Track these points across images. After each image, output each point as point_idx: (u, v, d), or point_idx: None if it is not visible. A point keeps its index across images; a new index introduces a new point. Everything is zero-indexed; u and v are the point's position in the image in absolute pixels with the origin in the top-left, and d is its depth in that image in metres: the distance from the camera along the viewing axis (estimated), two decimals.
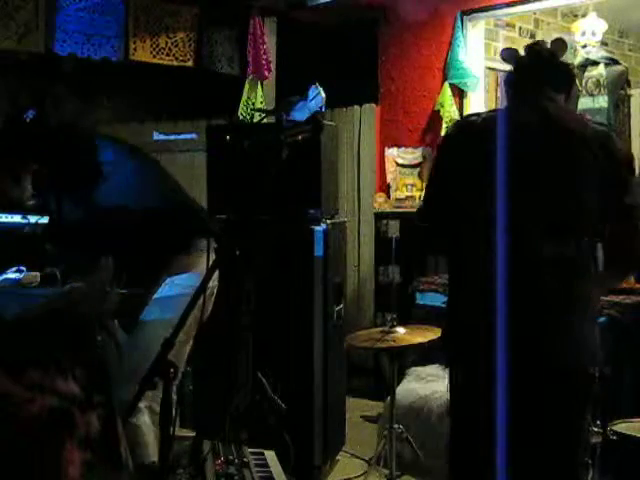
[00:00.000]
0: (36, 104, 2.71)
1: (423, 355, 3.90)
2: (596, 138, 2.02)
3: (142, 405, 2.57)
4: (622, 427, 2.66)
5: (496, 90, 5.34)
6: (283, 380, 3.32)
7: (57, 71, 5.06)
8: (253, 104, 5.28)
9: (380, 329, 3.29)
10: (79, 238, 2.79)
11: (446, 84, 5.11)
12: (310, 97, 3.56)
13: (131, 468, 1.95)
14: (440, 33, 5.20)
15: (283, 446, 2.94)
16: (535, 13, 5.48)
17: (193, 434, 2.51)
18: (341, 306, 3.75)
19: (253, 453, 2.39)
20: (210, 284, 2.59)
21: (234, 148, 3.54)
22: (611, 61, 5.08)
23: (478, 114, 2.25)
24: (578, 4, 5.22)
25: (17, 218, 3.47)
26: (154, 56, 5.10)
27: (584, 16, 5.16)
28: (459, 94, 5.13)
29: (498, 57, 2.41)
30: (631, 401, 3.45)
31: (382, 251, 5.17)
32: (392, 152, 5.40)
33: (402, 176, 5.35)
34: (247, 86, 5.33)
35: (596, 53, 5.03)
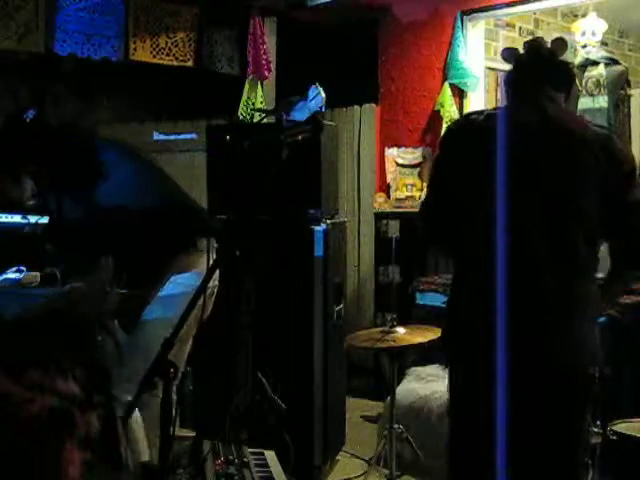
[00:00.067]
0: (36, 104, 2.72)
1: (423, 355, 3.90)
2: (597, 140, 2.02)
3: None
4: (622, 427, 2.65)
5: (496, 90, 5.34)
6: (283, 380, 3.32)
7: (57, 71, 5.06)
8: (253, 104, 5.28)
9: (380, 329, 3.29)
10: (79, 238, 2.79)
11: (446, 84, 5.11)
12: (310, 97, 3.56)
13: (131, 468, 1.95)
14: (440, 33, 5.20)
15: (283, 446, 2.94)
16: (535, 13, 5.48)
17: (193, 434, 2.51)
18: (341, 306, 3.75)
19: (253, 453, 2.39)
20: (210, 284, 2.59)
21: (234, 148, 3.54)
22: (611, 61, 5.08)
23: (480, 112, 2.25)
24: (578, 4, 5.22)
25: (17, 218, 3.47)
26: (154, 56, 5.10)
27: (584, 16, 5.16)
28: (459, 94, 5.13)
29: (498, 57, 2.41)
30: (631, 401, 3.45)
31: (382, 251, 5.17)
32: (392, 152, 5.40)
33: (402, 176, 5.35)
34: (247, 86, 5.33)
35: (596, 53, 5.03)
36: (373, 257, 5.36)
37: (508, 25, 5.47)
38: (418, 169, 5.30)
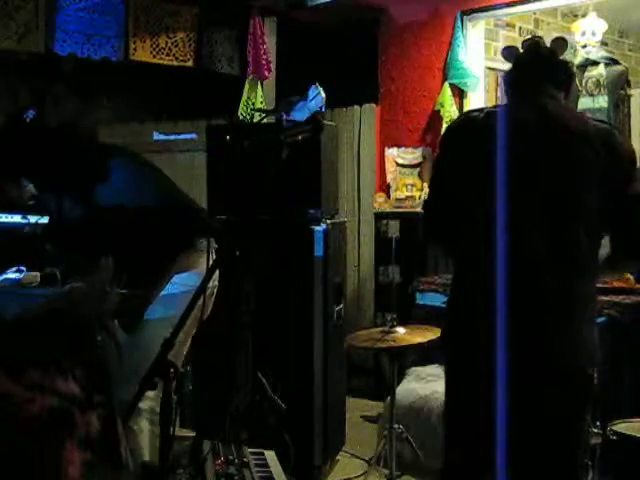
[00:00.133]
0: (36, 104, 2.72)
1: (423, 355, 3.90)
2: (598, 135, 2.02)
3: (142, 407, 2.57)
4: (622, 427, 2.65)
5: (496, 90, 5.34)
6: (283, 380, 3.32)
7: (57, 71, 5.06)
8: (253, 104, 5.28)
9: (380, 329, 3.29)
10: (79, 238, 2.79)
11: (446, 84, 5.11)
12: (310, 97, 3.56)
13: (131, 468, 1.95)
14: (440, 33, 5.20)
15: (283, 446, 2.94)
16: (535, 13, 5.48)
17: (193, 434, 2.51)
18: (341, 306, 3.75)
19: (253, 453, 2.39)
20: (210, 284, 2.59)
21: (234, 148, 3.54)
22: (611, 61, 5.08)
23: (480, 110, 2.25)
24: (578, 4, 5.22)
25: (17, 218, 3.47)
26: (154, 56, 5.10)
27: (584, 16, 5.16)
28: (459, 94, 5.13)
29: (498, 57, 2.41)
30: (631, 401, 3.45)
31: (382, 251, 5.17)
32: (392, 152, 5.40)
33: (402, 176, 5.35)
34: (247, 86, 5.33)
35: (596, 53, 5.03)
36: (373, 257, 5.36)
37: (508, 25, 5.47)
38: (418, 169, 5.30)
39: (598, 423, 2.66)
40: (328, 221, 3.58)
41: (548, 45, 2.17)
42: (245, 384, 3.14)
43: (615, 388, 3.43)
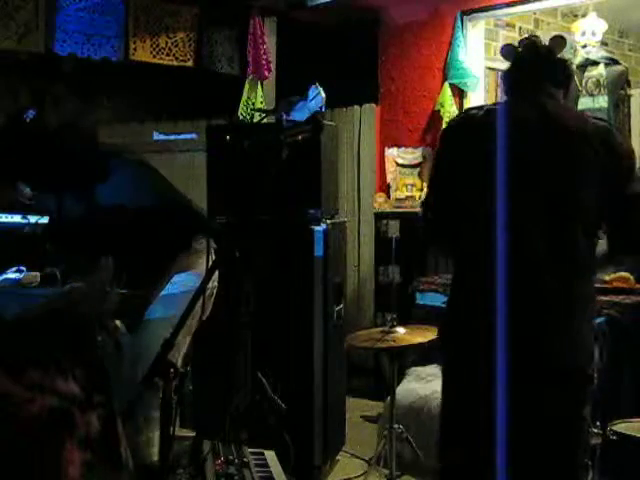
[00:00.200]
0: (36, 104, 2.72)
1: (423, 355, 3.90)
2: (597, 134, 2.02)
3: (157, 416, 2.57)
4: (622, 427, 2.65)
5: (496, 90, 5.34)
6: (283, 380, 3.32)
7: (57, 71, 5.06)
8: (253, 104, 5.28)
9: (380, 329, 3.29)
10: (79, 238, 2.79)
11: (446, 84, 5.11)
12: (310, 97, 3.56)
13: (131, 468, 1.95)
14: (440, 33, 5.20)
15: (283, 446, 2.94)
16: (535, 13, 5.48)
17: (193, 434, 2.51)
18: (341, 306, 3.75)
19: (253, 453, 2.39)
20: (210, 285, 2.59)
21: (234, 148, 3.54)
22: (611, 61, 5.07)
23: (479, 107, 2.25)
24: (578, 4, 5.22)
25: (17, 218, 3.47)
26: (154, 56, 5.10)
27: (584, 16, 5.16)
28: (459, 94, 5.13)
29: (498, 57, 2.41)
30: (631, 401, 3.45)
31: (382, 251, 5.17)
32: (392, 152, 5.40)
33: (402, 176, 5.35)
34: (247, 86, 5.33)
35: (596, 53, 5.03)
36: (373, 257, 5.36)
37: (508, 25, 5.47)
38: (418, 169, 5.30)
39: (598, 423, 2.66)
40: (328, 221, 3.58)
41: (546, 43, 2.17)
42: (245, 384, 3.14)
43: (615, 388, 3.43)
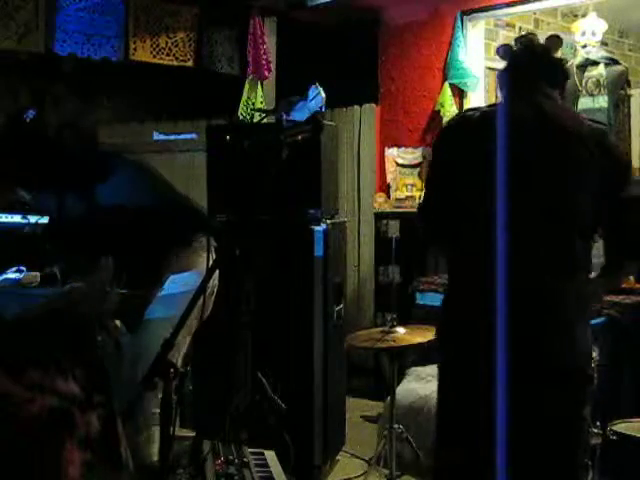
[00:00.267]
0: (36, 104, 2.72)
1: (423, 355, 3.90)
2: (592, 136, 2.03)
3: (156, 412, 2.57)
4: (622, 427, 2.65)
5: (496, 90, 5.34)
6: (283, 380, 3.32)
7: (57, 71, 5.06)
8: (253, 104, 5.28)
9: (380, 329, 3.29)
10: (79, 238, 2.79)
11: (446, 84, 5.11)
12: (310, 97, 3.56)
13: (131, 468, 1.95)
14: (440, 33, 5.20)
15: (283, 446, 2.94)
16: (535, 13, 5.48)
17: (193, 434, 2.51)
18: (341, 306, 3.75)
19: (253, 453, 2.39)
20: (210, 283, 2.59)
21: (234, 148, 3.54)
22: (611, 61, 5.07)
23: (476, 109, 2.25)
24: (578, 4, 5.22)
25: (17, 218, 3.47)
26: (154, 56, 5.10)
27: (584, 16, 5.16)
28: (459, 94, 5.13)
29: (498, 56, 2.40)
30: (631, 401, 3.45)
31: (382, 251, 5.17)
32: (392, 152, 5.40)
33: (402, 176, 5.35)
34: (247, 86, 5.33)
35: (596, 53, 5.02)
36: (373, 257, 5.36)
37: (508, 25, 5.47)
38: (418, 169, 5.30)
39: (598, 423, 2.66)
40: (328, 221, 3.58)
41: (543, 42, 2.17)
42: (245, 384, 3.14)
43: (615, 388, 3.43)
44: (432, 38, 5.25)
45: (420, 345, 3.07)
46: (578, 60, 5.07)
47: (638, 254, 2.13)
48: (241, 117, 5.30)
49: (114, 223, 2.67)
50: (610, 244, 2.11)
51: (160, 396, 1.64)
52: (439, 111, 5.13)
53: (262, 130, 3.61)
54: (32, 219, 3.21)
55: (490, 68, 5.27)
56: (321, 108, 3.61)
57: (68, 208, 2.74)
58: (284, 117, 3.37)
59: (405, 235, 4.96)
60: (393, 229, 5.08)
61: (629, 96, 5.15)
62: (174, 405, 1.65)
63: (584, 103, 4.99)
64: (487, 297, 1.93)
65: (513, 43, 2.21)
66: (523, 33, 2.38)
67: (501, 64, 2.25)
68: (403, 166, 5.36)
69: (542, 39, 2.19)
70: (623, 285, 3.73)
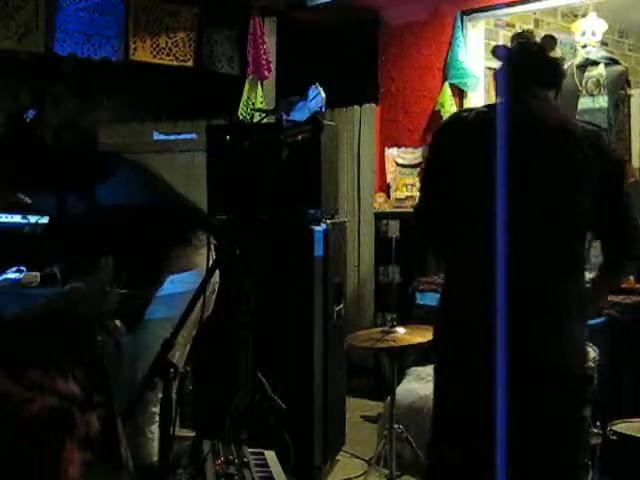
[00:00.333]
0: (36, 104, 2.72)
1: (423, 355, 3.90)
2: (586, 137, 2.03)
3: (156, 410, 2.57)
4: (622, 427, 2.66)
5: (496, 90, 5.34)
6: (283, 380, 3.32)
7: (57, 71, 5.06)
8: (253, 104, 5.28)
9: (380, 329, 3.29)
10: (79, 238, 2.80)
11: (446, 84, 5.11)
12: (310, 97, 3.56)
13: (131, 468, 1.95)
14: (440, 33, 5.20)
15: (283, 446, 2.94)
16: (535, 13, 5.48)
17: (193, 434, 2.51)
18: (341, 306, 3.75)
19: (253, 453, 2.39)
20: (211, 281, 2.60)
21: (234, 148, 3.54)
22: (611, 61, 5.08)
23: (470, 110, 2.26)
24: (578, 4, 5.22)
25: (17, 218, 3.47)
26: (154, 56, 5.10)
27: (584, 16, 5.16)
28: (459, 94, 5.13)
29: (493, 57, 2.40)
30: (631, 401, 3.45)
31: (382, 251, 5.17)
32: (392, 152, 5.40)
33: (402, 176, 5.35)
34: (247, 86, 5.33)
35: (596, 53, 5.03)
36: (373, 257, 5.36)
37: (508, 25, 5.46)
38: (418, 169, 5.30)
39: (598, 423, 2.66)
40: (328, 221, 3.58)
41: (539, 40, 2.17)
42: (245, 384, 3.14)
43: (615, 388, 3.43)
44: (432, 38, 5.25)
45: (420, 345, 3.07)
46: (578, 60, 5.07)
47: (636, 253, 2.13)
48: (241, 117, 5.30)
49: (114, 223, 2.67)
50: (607, 244, 2.11)
51: (160, 396, 1.64)
52: (439, 111, 5.13)
53: (262, 130, 3.61)
54: (32, 219, 3.21)
55: (490, 68, 5.26)
56: (321, 108, 3.61)
57: (68, 208, 2.74)
58: (284, 117, 3.37)
59: (405, 235, 4.95)
60: (393, 229, 5.08)
61: (629, 96, 5.15)
62: (174, 405, 1.65)
63: (584, 103, 5.00)
64: (483, 297, 1.93)
65: (511, 38, 2.21)
66: (520, 31, 2.37)
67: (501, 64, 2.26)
68: (403, 166, 5.36)
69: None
70: (623, 285, 3.73)
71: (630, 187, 2.09)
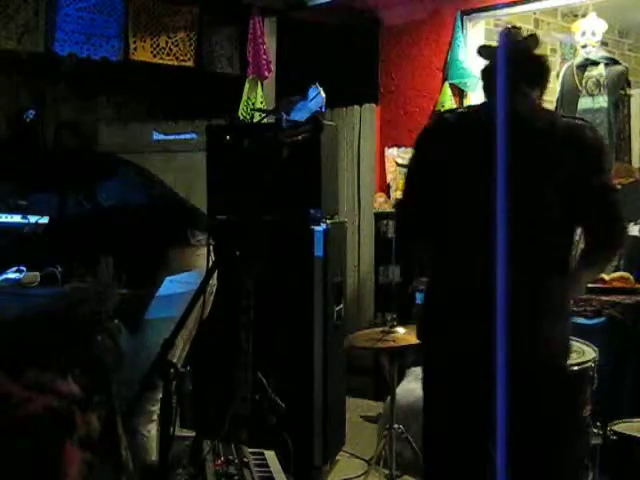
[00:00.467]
0: (36, 104, 2.72)
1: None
2: (567, 132, 2.03)
3: (154, 410, 2.57)
4: (622, 427, 2.66)
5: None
6: (283, 380, 3.31)
7: (57, 71, 5.05)
8: (253, 104, 5.27)
9: (380, 329, 3.29)
10: (79, 238, 2.80)
11: (446, 84, 5.11)
12: (310, 97, 3.56)
13: (131, 468, 1.95)
14: (440, 33, 5.20)
15: (283, 446, 2.94)
16: (535, 13, 5.48)
17: (193, 434, 2.51)
18: (341, 306, 3.75)
19: (253, 453, 2.39)
20: (210, 282, 2.60)
21: (234, 148, 3.54)
22: (611, 61, 5.08)
23: (454, 110, 2.28)
24: (578, 4, 5.22)
25: (17, 218, 3.47)
26: (154, 56, 5.10)
27: (584, 16, 5.16)
28: (459, 94, 5.13)
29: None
30: (631, 401, 3.45)
31: (382, 251, 5.17)
32: (392, 152, 5.40)
33: (402, 176, 5.34)
34: (247, 86, 5.33)
35: (596, 53, 5.03)
36: (373, 257, 5.36)
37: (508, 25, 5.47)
38: None
39: (598, 423, 2.66)
40: (328, 221, 3.58)
41: (526, 34, 2.17)
42: (245, 384, 3.14)
43: (615, 388, 3.43)
44: (432, 38, 5.25)
45: (420, 345, 3.07)
46: (578, 60, 5.08)
47: (619, 243, 2.13)
48: (241, 117, 5.30)
49: (113, 223, 2.68)
50: (588, 235, 2.10)
51: (160, 396, 1.64)
52: (439, 111, 5.13)
53: (262, 130, 3.60)
54: (32, 219, 3.21)
55: None
56: (321, 108, 3.61)
57: (68, 208, 2.75)
58: (284, 117, 3.37)
59: None
60: (393, 229, 5.08)
61: (629, 96, 5.15)
62: (174, 405, 1.65)
63: (584, 103, 5.00)
64: (466, 294, 1.94)
65: (497, 33, 2.22)
66: (508, 26, 2.37)
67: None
68: (403, 166, 5.35)
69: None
70: (623, 285, 3.73)
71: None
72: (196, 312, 1.95)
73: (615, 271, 3.80)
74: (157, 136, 5.82)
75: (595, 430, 2.62)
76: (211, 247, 2.58)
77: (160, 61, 5.12)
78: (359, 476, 3.61)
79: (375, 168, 5.46)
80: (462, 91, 5.13)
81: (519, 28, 2.23)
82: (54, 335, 1.88)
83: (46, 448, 1.57)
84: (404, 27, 5.40)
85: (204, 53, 5.34)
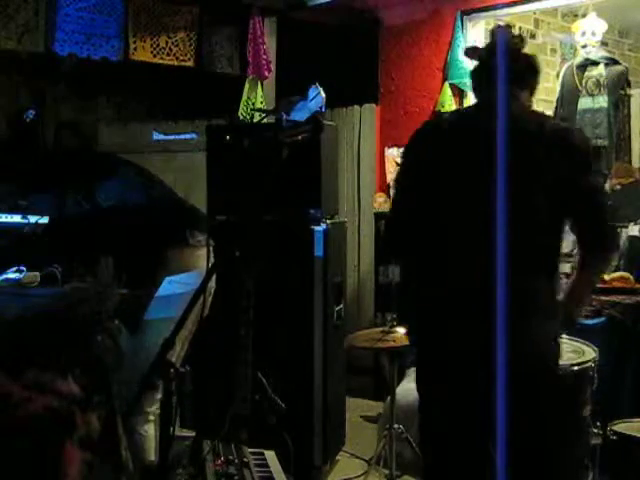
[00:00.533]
0: (36, 104, 2.73)
1: None
2: (554, 135, 2.03)
3: (151, 410, 2.57)
4: (622, 427, 2.66)
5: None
6: (283, 380, 3.31)
7: (57, 71, 5.05)
8: (253, 104, 5.27)
9: (380, 329, 3.29)
10: (79, 238, 2.80)
11: (446, 84, 5.11)
12: (310, 97, 3.56)
13: (131, 468, 1.95)
14: (440, 33, 5.20)
15: (283, 446, 2.94)
16: (535, 13, 5.48)
17: (193, 434, 2.51)
18: (341, 306, 3.75)
19: (253, 453, 2.39)
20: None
21: (234, 148, 3.54)
22: (611, 61, 5.08)
23: (440, 115, 2.28)
24: (578, 4, 5.22)
25: (17, 218, 3.47)
26: (154, 56, 5.10)
27: (584, 16, 5.16)
28: (459, 94, 5.13)
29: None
30: (631, 401, 3.45)
31: (382, 251, 5.17)
32: (392, 152, 5.40)
33: None
34: (247, 86, 5.33)
35: (596, 53, 5.03)
36: (373, 257, 5.36)
37: (508, 25, 5.46)
38: None
39: (598, 423, 2.66)
40: (328, 221, 3.58)
41: (516, 34, 2.17)
42: (245, 384, 3.14)
43: (615, 388, 3.43)
44: (432, 38, 5.25)
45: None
46: (578, 60, 5.08)
47: (611, 243, 2.13)
48: (241, 117, 5.30)
49: (112, 223, 2.68)
50: (580, 238, 2.10)
51: (159, 396, 1.64)
52: (439, 111, 5.13)
53: (262, 130, 3.61)
54: (32, 219, 3.21)
55: None
56: (321, 108, 3.61)
57: (68, 208, 2.75)
58: (284, 117, 3.37)
59: None
60: None
61: (629, 96, 5.15)
62: (174, 405, 1.65)
63: (584, 103, 5.00)
64: (454, 299, 1.93)
65: (489, 32, 2.22)
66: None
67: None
68: None
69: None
70: (623, 285, 3.73)
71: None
72: (196, 312, 1.95)
73: (615, 271, 3.80)
74: (157, 136, 5.82)
75: (595, 430, 2.62)
76: (211, 248, 2.59)
77: (160, 61, 5.12)
78: (359, 476, 3.61)
79: (375, 168, 5.46)
80: (462, 91, 5.13)
81: (510, 27, 2.23)
82: (54, 335, 1.88)
83: (46, 448, 1.57)
84: (404, 27, 5.40)
85: (204, 53, 5.34)
